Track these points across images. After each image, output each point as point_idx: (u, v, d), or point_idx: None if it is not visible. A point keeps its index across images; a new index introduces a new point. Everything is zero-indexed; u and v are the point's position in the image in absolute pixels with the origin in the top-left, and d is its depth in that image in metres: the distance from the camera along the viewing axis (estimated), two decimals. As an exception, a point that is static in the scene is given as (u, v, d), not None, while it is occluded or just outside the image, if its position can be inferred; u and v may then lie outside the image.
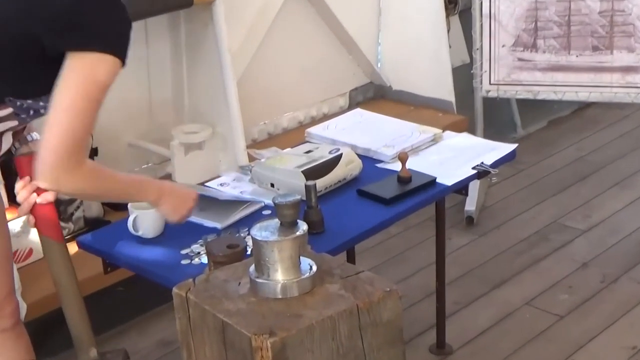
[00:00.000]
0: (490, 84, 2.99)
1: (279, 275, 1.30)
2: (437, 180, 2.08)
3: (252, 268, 1.33)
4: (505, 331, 2.53)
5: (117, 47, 1.49)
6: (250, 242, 1.82)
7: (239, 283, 1.34)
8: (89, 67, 1.47)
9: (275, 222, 1.33)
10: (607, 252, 2.96)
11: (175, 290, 1.34)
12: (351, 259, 2.35)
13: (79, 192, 1.68)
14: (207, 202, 1.91)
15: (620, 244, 3.01)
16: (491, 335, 2.53)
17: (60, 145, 1.47)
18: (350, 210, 1.99)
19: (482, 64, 3.02)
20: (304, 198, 1.81)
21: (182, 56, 2.88)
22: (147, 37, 2.84)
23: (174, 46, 2.90)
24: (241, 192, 2.06)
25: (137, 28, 2.64)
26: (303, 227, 1.32)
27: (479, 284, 2.77)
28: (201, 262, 1.76)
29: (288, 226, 1.32)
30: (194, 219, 1.91)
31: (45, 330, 2.48)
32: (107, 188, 1.63)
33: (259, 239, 1.30)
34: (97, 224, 2.55)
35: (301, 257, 1.32)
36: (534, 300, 2.69)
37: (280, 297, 1.29)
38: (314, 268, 1.33)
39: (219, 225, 1.90)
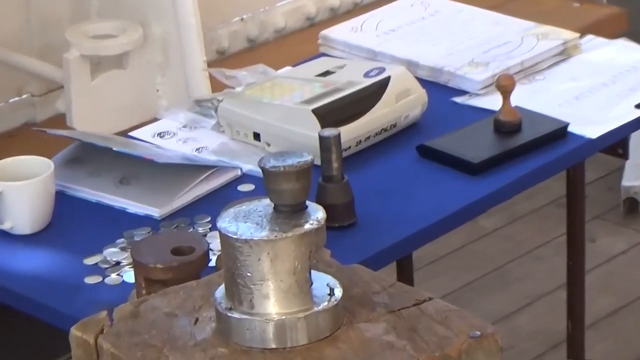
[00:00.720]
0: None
1: (272, 306, 1.31)
2: (571, 129, 2.10)
3: (219, 293, 1.34)
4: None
5: None
6: (215, 244, 1.83)
7: (196, 320, 1.35)
8: None
9: (264, 206, 1.34)
10: None
11: (74, 332, 1.34)
12: (407, 274, 2.37)
13: None
14: (135, 169, 1.94)
15: None
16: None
17: None
18: (405, 184, 2.02)
19: None
20: (318, 161, 1.82)
21: None
22: None
23: None
24: (197, 149, 2.09)
25: None
26: (317, 215, 1.33)
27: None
28: (123, 281, 1.79)
29: (288, 214, 1.33)
30: (109, 199, 1.92)
31: None
32: None
33: (234, 236, 1.30)
34: None
35: (313, 272, 1.34)
36: None
37: (273, 346, 1.30)
38: (338, 293, 1.34)
39: (156, 213, 1.94)
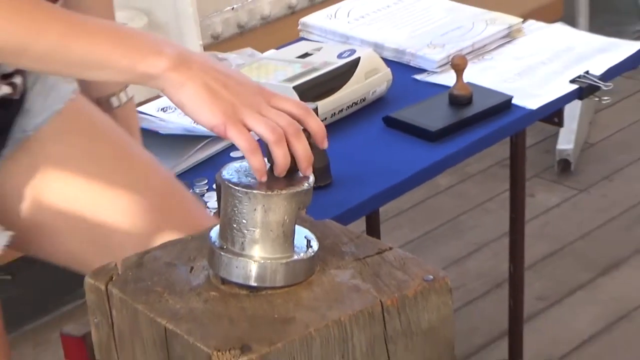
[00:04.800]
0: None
1: (259, 250, 1.30)
2: (514, 102, 2.09)
3: (214, 233, 1.33)
4: (618, 341, 2.55)
5: None
6: (211, 202, 1.83)
7: (191, 268, 1.34)
8: None
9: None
10: None
11: (88, 279, 1.34)
12: (374, 228, 2.37)
13: None
14: (141, 139, 1.91)
15: None
16: (596, 348, 2.56)
17: None
18: (373, 150, 2.01)
19: None
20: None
21: None
22: None
23: None
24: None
25: None
26: (308, 179, 1.33)
27: (577, 268, 2.79)
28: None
29: (288, 176, 1.33)
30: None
31: None
32: (44, 29, 1.33)
33: (236, 186, 1.29)
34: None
35: (296, 227, 1.33)
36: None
37: (255, 284, 1.30)
38: (315, 245, 1.33)
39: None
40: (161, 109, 2.13)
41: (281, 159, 1.31)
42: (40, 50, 1.33)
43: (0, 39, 1.31)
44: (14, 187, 1.63)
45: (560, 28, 2.38)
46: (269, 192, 1.29)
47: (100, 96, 1.78)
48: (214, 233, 1.33)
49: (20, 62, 1.38)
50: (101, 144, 1.68)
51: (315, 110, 1.83)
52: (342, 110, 2.05)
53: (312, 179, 1.33)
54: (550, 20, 2.53)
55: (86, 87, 1.76)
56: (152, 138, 1.94)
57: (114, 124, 1.72)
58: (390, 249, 1.36)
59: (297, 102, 1.37)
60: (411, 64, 2.23)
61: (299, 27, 2.38)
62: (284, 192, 1.30)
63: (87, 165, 1.64)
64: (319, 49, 2.13)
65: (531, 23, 2.37)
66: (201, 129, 1.99)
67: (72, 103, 1.67)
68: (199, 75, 1.33)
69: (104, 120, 1.71)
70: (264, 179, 1.30)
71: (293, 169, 1.33)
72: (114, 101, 1.79)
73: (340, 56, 2.08)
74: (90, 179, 1.62)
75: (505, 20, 2.33)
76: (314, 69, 2.04)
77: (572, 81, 2.14)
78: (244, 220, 1.30)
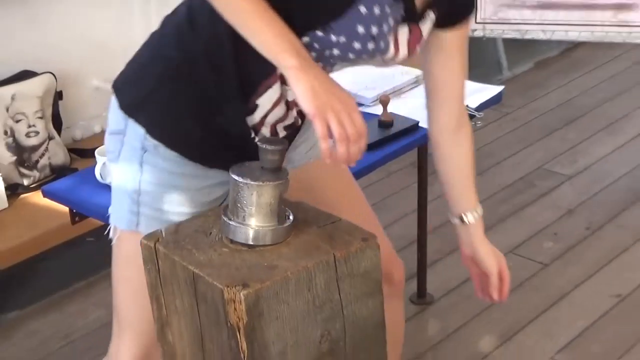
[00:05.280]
0: (476, 22, 2.95)
1: (254, 221, 1.28)
2: (420, 125, 2.07)
3: (225, 210, 1.31)
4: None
5: None
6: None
7: (210, 233, 1.32)
8: None
9: (257, 165, 1.30)
10: (593, 198, 2.98)
11: (143, 241, 1.32)
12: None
13: None
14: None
15: (606, 190, 3.03)
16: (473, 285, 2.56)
17: None
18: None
19: (467, 2, 2.98)
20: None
21: (150, -3, 2.81)
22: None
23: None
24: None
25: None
26: (287, 173, 1.30)
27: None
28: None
29: (270, 171, 1.29)
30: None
31: (12, 281, 2.47)
32: (254, 8, 1.26)
33: (239, 180, 1.28)
34: (64, 172, 2.52)
35: (279, 206, 1.30)
36: (518, 248, 2.71)
37: (252, 243, 1.28)
38: (291, 217, 1.31)
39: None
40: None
41: (339, 154, 1.24)
42: (237, 23, 1.27)
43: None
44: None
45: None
46: (260, 184, 1.27)
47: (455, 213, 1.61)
48: (225, 210, 1.31)
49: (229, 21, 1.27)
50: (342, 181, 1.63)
51: None
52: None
53: (287, 173, 1.30)
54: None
55: (452, 203, 1.61)
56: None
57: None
58: (340, 220, 1.34)
59: (362, 122, 1.26)
60: (354, 101, 2.22)
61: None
62: (270, 183, 1.28)
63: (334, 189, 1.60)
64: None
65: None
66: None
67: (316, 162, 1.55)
68: (310, 79, 1.23)
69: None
70: (328, 160, 1.24)
71: (279, 166, 1.30)
72: (464, 217, 1.60)
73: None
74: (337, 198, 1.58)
75: (414, 72, 2.31)
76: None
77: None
78: (244, 202, 1.28)
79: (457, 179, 1.60)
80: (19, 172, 2.53)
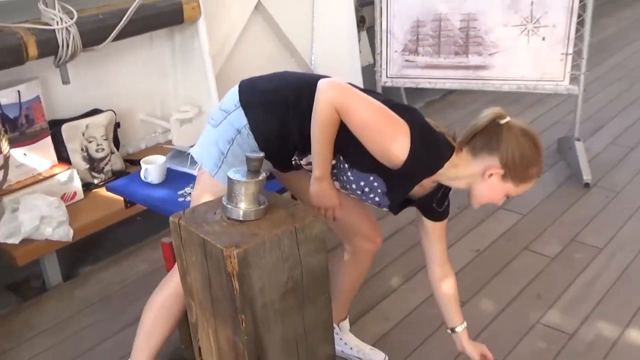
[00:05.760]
0: (387, 77, 3.00)
1: (243, 205, 1.27)
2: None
3: (224, 198, 1.29)
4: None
5: None
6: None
7: (215, 213, 1.31)
8: None
9: (245, 168, 1.29)
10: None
11: (171, 218, 1.31)
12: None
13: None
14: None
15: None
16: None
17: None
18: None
19: (381, 64, 3.04)
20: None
21: (177, 58, 2.80)
22: (152, 44, 2.75)
23: (172, 51, 2.80)
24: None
25: (145, 38, 2.57)
26: (264, 174, 1.29)
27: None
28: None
29: (254, 172, 1.28)
30: (180, 168, 1.86)
31: (87, 246, 2.44)
32: (322, 137, 1.37)
33: (234, 178, 1.26)
34: (120, 175, 2.49)
35: (259, 195, 1.29)
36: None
37: (242, 219, 1.26)
38: (266, 202, 1.31)
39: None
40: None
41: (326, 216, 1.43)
42: (313, 134, 1.38)
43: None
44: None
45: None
46: (247, 180, 1.26)
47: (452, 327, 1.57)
48: (224, 198, 1.29)
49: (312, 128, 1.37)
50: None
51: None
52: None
53: (264, 175, 1.28)
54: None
55: (446, 320, 1.57)
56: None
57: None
58: (298, 203, 1.33)
59: (336, 212, 1.44)
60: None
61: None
62: (253, 180, 1.26)
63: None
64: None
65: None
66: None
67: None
68: (320, 187, 1.40)
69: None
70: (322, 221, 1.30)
71: (259, 170, 1.27)
72: (455, 330, 1.57)
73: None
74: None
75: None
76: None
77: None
78: (237, 192, 1.26)
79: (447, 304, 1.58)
80: (91, 175, 2.51)
